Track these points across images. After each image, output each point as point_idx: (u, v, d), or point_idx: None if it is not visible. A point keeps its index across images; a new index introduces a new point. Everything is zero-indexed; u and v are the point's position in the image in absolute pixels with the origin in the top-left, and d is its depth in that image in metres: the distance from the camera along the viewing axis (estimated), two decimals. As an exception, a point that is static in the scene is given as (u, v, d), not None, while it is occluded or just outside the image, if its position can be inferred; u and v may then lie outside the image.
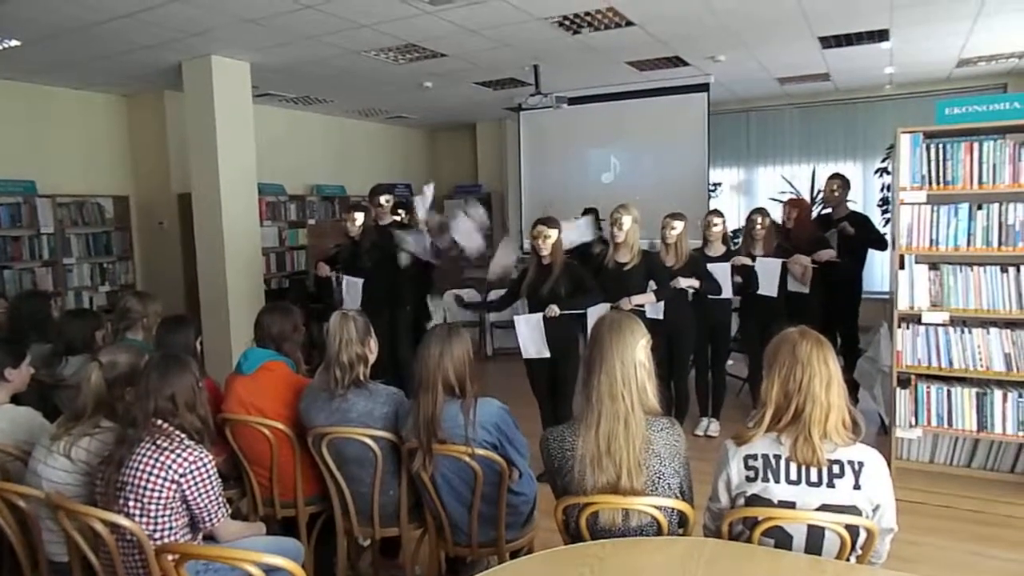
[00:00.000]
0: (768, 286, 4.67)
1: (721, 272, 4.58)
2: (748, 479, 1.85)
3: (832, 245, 5.03)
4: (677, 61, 6.55)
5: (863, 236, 5.17)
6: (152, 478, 2.02)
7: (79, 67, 5.95)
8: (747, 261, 4.70)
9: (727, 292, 4.66)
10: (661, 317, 4.25)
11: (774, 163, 9.12)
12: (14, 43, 5.16)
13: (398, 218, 5.74)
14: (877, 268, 7.17)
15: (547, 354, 3.93)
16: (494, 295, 5.15)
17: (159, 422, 2.11)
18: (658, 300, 4.20)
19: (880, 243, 5.19)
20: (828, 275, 4.90)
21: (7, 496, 2.19)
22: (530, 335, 3.95)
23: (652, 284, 4.23)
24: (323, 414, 2.57)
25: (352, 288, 4.96)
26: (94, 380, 2.29)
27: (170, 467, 2.04)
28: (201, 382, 2.27)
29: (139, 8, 4.50)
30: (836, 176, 5.42)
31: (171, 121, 7.00)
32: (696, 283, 4.41)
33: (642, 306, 4.16)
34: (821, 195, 7.60)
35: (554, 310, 3.83)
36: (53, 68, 5.96)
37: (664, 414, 2.00)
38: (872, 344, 4.56)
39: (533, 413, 4.15)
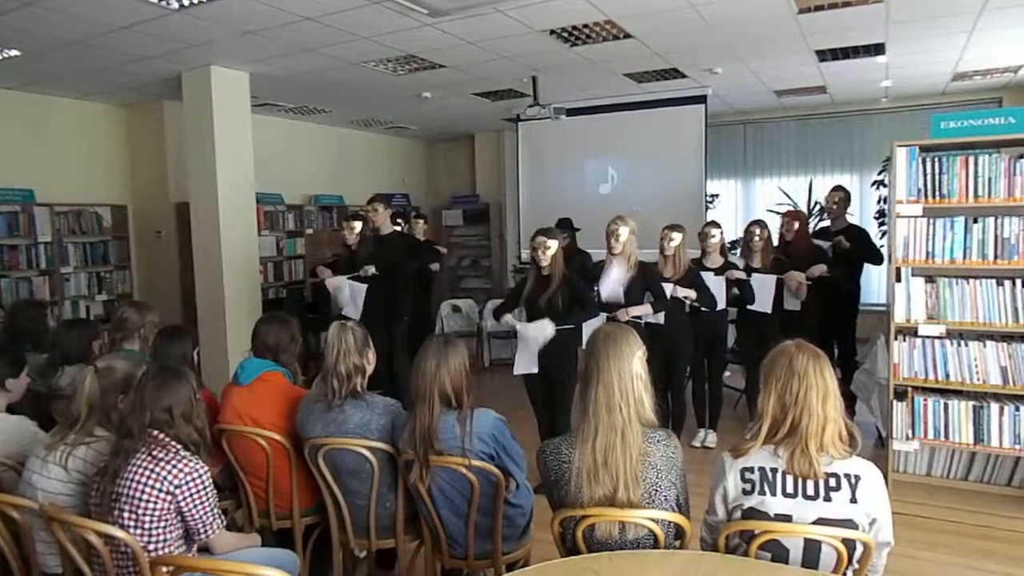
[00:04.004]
0: (762, 302, 4.68)
1: (715, 285, 4.59)
2: (745, 492, 1.85)
3: (828, 257, 5.05)
4: (675, 73, 6.59)
5: (859, 250, 5.18)
6: (147, 489, 2.01)
7: (78, 77, 5.97)
8: (742, 275, 4.70)
9: (721, 304, 4.67)
10: (662, 322, 4.27)
11: (771, 175, 9.17)
12: (14, 53, 5.17)
13: (398, 228, 5.75)
14: (874, 280, 7.19)
15: (535, 369, 3.94)
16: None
17: (155, 433, 2.11)
18: (655, 312, 4.21)
19: (876, 258, 5.20)
20: (825, 288, 4.91)
21: (0, 507, 2.18)
22: (525, 348, 3.96)
23: (649, 296, 4.24)
24: (319, 425, 2.56)
25: (356, 293, 4.96)
26: (88, 385, 2.29)
27: (165, 478, 2.03)
28: (198, 393, 2.26)
29: (139, 20, 4.52)
30: (838, 188, 5.45)
31: (170, 131, 7.01)
32: (693, 294, 4.42)
33: (639, 317, 4.16)
34: (819, 207, 7.66)
35: (550, 331, 3.84)
36: (52, 78, 5.98)
37: (661, 426, 2.01)
38: (869, 356, 4.56)
39: (530, 425, 4.14)
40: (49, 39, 4.86)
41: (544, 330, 3.87)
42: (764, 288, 4.68)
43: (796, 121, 8.89)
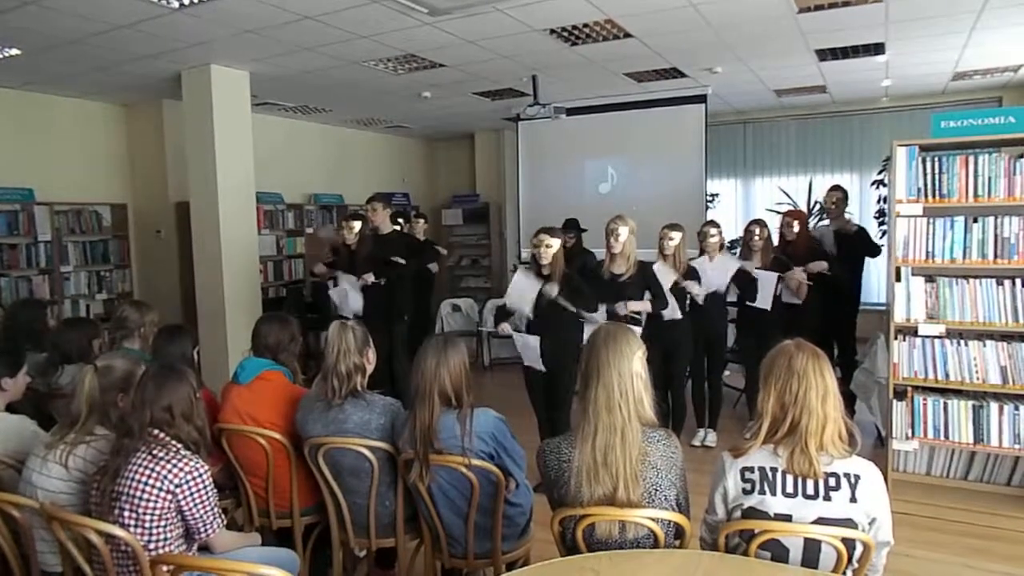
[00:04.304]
0: (763, 300, 4.69)
1: (717, 275, 4.61)
2: (745, 491, 1.85)
3: (828, 252, 5.06)
4: (675, 72, 6.59)
5: (857, 244, 5.20)
6: (148, 488, 2.02)
7: (78, 76, 5.96)
8: (750, 267, 4.71)
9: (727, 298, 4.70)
10: (679, 316, 4.32)
11: (771, 174, 9.18)
12: (14, 52, 5.17)
13: (398, 227, 5.75)
14: (874, 280, 7.19)
15: (541, 367, 3.95)
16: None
17: (155, 432, 2.11)
18: (654, 311, 4.21)
19: (874, 250, 5.23)
20: (826, 286, 4.91)
21: (0, 506, 2.18)
22: (525, 348, 3.96)
23: (647, 295, 4.24)
24: (319, 424, 2.57)
25: (356, 292, 4.95)
26: (88, 384, 2.28)
27: (166, 477, 2.03)
28: (198, 392, 2.27)
29: (139, 19, 4.51)
30: (837, 188, 5.48)
31: (169, 130, 7.00)
32: (697, 288, 4.42)
33: (639, 314, 4.16)
34: (819, 206, 7.66)
35: (552, 291, 3.84)
36: (53, 77, 5.97)
37: (661, 425, 2.01)
38: (868, 356, 4.57)
39: (530, 424, 4.14)
40: (49, 39, 4.86)
41: (537, 346, 3.90)
42: (765, 284, 4.69)
43: (796, 121, 8.89)
